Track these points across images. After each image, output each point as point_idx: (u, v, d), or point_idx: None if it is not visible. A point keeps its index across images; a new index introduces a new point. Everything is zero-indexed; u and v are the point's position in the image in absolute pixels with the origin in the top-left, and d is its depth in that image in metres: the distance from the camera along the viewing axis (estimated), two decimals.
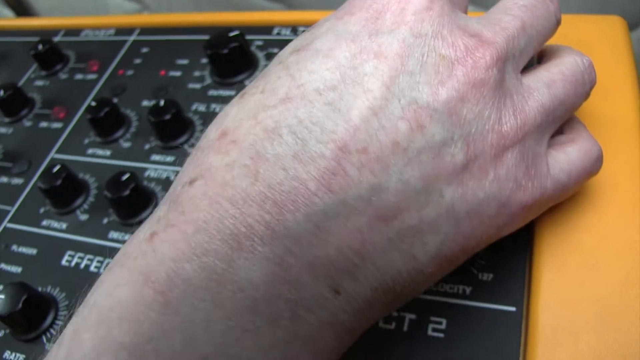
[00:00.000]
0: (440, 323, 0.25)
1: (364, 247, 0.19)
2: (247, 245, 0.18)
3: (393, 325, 0.26)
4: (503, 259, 0.26)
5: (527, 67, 0.25)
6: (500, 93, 0.21)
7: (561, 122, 0.25)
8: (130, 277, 0.18)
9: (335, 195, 0.18)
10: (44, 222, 0.35)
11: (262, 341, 0.18)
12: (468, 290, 0.26)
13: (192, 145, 0.35)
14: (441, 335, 0.25)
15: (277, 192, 0.18)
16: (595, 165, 0.24)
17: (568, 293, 0.24)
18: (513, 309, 0.25)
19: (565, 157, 0.24)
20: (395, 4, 0.21)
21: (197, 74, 0.40)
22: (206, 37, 0.38)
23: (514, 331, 0.24)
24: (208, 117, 0.36)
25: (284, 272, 0.18)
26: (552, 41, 0.28)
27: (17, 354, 0.30)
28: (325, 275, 0.18)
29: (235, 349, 0.18)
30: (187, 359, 0.17)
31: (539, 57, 0.28)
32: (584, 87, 0.25)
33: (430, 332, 0.25)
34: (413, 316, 0.26)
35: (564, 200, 0.25)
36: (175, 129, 0.35)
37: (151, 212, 0.32)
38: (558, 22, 0.26)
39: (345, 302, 0.19)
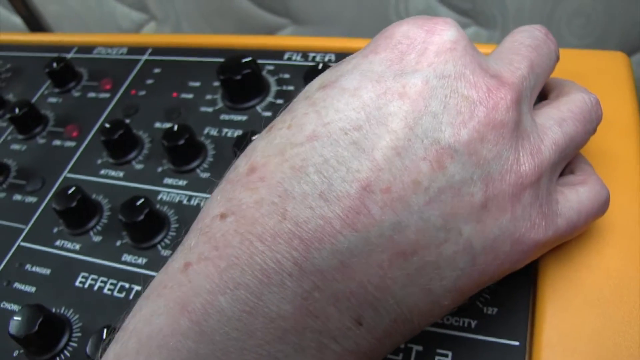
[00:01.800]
0: (446, 355, 0.26)
1: (384, 282, 0.20)
2: (276, 280, 0.19)
3: (400, 357, 0.26)
4: (508, 294, 0.27)
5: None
6: (517, 134, 0.22)
7: (570, 158, 0.26)
8: (167, 306, 0.19)
9: (359, 233, 0.19)
10: (58, 242, 0.36)
11: None
12: (473, 323, 0.26)
13: (205, 170, 0.36)
14: None
15: (304, 230, 0.19)
16: (602, 207, 0.25)
17: (569, 329, 0.25)
18: (517, 343, 0.25)
19: (576, 197, 0.24)
20: (419, 45, 0.22)
21: (209, 97, 0.40)
22: (218, 59, 0.39)
23: None
24: (220, 142, 0.37)
25: (310, 305, 0.19)
26: (557, 76, 0.29)
27: None
28: (348, 308, 0.19)
29: None
30: None
31: (546, 92, 0.29)
32: (592, 124, 0.25)
33: None
34: (420, 348, 0.26)
35: (567, 240, 0.26)
36: (188, 153, 0.36)
37: (164, 237, 0.33)
38: (557, 59, 0.27)
39: (366, 332, 0.20)
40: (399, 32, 0.22)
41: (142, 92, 0.43)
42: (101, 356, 0.20)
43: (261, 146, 0.21)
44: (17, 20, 0.81)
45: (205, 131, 0.38)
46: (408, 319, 0.21)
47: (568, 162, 0.27)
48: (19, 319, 0.29)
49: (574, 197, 0.24)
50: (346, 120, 0.20)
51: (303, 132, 0.21)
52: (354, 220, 0.19)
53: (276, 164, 0.20)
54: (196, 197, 0.35)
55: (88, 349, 0.28)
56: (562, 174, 0.26)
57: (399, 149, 0.20)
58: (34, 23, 0.80)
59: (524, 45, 0.25)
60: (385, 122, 0.20)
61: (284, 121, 0.22)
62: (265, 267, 0.19)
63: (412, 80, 0.21)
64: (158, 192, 0.36)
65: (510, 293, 0.27)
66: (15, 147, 0.43)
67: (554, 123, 0.24)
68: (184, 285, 0.19)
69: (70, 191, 0.35)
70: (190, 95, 0.41)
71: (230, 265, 0.19)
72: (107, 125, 0.38)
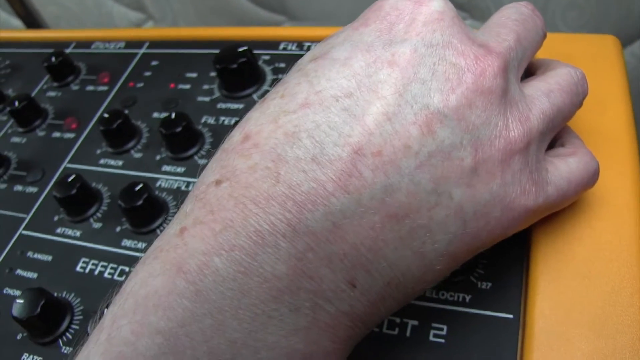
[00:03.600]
0: (441, 329, 0.26)
1: (377, 244, 0.20)
2: (270, 241, 0.19)
3: (396, 331, 0.27)
4: (501, 268, 0.27)
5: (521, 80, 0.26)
6: (505, 101, 0.22)
7: (558, 129, 0.26)
8: (163, 268, 0.20)
9: (351, 195, 0.20)
10: (59, 230, 0.36)
11: (285, 327, 0.19)
12: (468, 298, 0.27)
13: (202, 157, 0.37)
14: (442, 340, 0.26)
15: (297, 193, 0.19)
16: (592, 178, 0.26)
17: (562, 301, 0.25)
18: (510, 316, 0.26)
19: (566, 167, 0.25)
20: (407, 15, 0.23)
21: (205, 87, 0.41)
22: (214, 51, 0.39)
23: (512, 337, 0.25)
24: (217, 130, 0.38)
25: (304, 266, 0.19)
26: (552, 58, 0.29)
27: (35, 356, 0.31)
28: (342, 270, 0.20)
29: (261, 334, 0.19)
30: (217, 342, 0.19)
31: (533, 71, 0.29)
32: (578, 96, 0.26)
33: (431, 338, 0.26)
34: (415, 322, 0.27)
35: (558, 213, 0.27)
36: (185, 141, 0.37)
37: (163, 221, 0.33)
38: (544, 35, 0.28)
39: (360, 294, 0.20)
40: (387, 4, 0.23)
41: (140, 84, 0.44)
42: (99, 319, 0.20)
43: (255, 116, 0.22)
44: (16, 22, 0.82)
45: (203, 120, 0.39)
46: (401, 283, 0.21)
47: (558, 137, 0.27)
48: (22, 301, 0.30)
49: (563, 167, 0.25)
50: (337, 88, 0.21)
51: (295, 100, 0.21)
52: (346, 182, 0.19)
53: (269, 131, 0.21)
54: (194, 183, 0.35)
55: (89, 328, 0.29)
56: (552, 148, 0.27)
57: (389, 114, 0.20)
58: (33, 24, 0.81)
59: (510, 19, 0.26)
60: (375, 89, 0.21)
61: (276, 92, 0.22)
62: (259, 229, 0.19)
63: (401, 49, 0.21)
64: (157, 179, 0.36)
65: (504, 267, 0.27)
66: (16, 140, 0.44)
67: (542, 94, 0.24)
68: (179, 247, 0.20)
69: (70, 179, 0.35)
70: (188, 86, 0.42)
71: (225, 227, 0.19)
72: (106, 115, 0.39)
